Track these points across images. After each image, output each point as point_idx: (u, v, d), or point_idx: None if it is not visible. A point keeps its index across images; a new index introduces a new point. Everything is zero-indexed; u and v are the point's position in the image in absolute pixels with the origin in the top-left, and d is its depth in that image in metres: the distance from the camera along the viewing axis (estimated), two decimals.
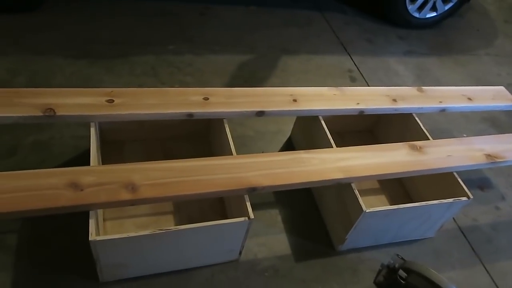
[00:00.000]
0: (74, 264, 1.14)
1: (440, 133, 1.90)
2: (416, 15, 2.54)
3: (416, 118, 1.53)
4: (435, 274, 1.14)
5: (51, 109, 1.15)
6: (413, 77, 2.24)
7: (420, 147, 1.35)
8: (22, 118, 1.13)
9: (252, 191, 1.11)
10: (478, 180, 1.72)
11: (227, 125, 1.31)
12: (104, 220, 1.24)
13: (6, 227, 1.19)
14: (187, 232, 1.05)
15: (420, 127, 1.50)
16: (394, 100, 1.51)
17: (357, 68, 2.19)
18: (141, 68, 1.85)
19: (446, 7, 2.58)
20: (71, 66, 1.77)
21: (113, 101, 1.22)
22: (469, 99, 1.64)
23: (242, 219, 1.07)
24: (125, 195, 1.00)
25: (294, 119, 1.65)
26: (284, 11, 2.47)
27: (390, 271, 1.21)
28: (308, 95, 1.44)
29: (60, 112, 1.15)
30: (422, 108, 1.54)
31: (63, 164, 1.38)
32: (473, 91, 1.69)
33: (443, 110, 1.59)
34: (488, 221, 1.57)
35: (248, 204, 1.09)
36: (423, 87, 1.62)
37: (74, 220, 1.14)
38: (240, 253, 1.23)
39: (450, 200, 1.26)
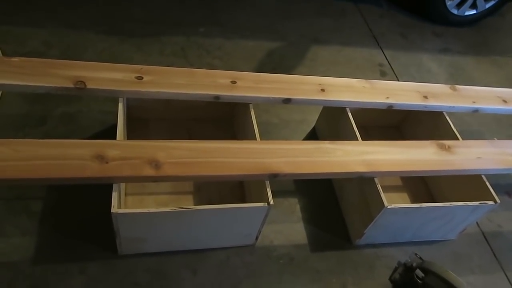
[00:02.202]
0: (95, 234, 1.17)
1: (470, 135, 1.85)
2: (455, 12, 2.46)
3: (447, 117, 1.49)
4: (454, 277, 1.12)
5: (82, 81, 1.17)
6: (446, 76, 2.18)
7: (448, 147, 1.31)
8: (53, 89, 1.15)
9: (274, 177, 1.10)
10: (506, 186, 1.67)
11: (252, 110, 1.30)
12: (125, 195, 1.26)
13: (33, 194, 1.23)
14: (207, 212, 1.05)
15: (450, 126, 1.45)
16: (425, 97, 1.47)
17: (388, 63, 2.14)
18: (171, 48, 1.86)
19: (487, 5, 2.48)
20: (103, 42, 1.79)
21: (142, 78, 1.24)
22: (504, 101, 1.58)
23: (261, 204, 1.07)
24: (149, 171, 1.01)
25: (319, 109, 1.63)
26: (317, 0, 2.43)
27: (407, 269, 1.19)
28: (337, 86, 1.41)
29: (90, 85, 1.17)
30: (453, 107, 1.49)
31: (90, 137, 1.41)
32: (509, 93, 1.62)
33: (476, 110, 1.54)
34: None
35: (269, 190, 1.09)
36: (456, 85, 1.57)
37: (98, 192, 1.17)
38: (257, 238, 1.24)
39: (476, 203, 1.23)
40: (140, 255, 1.16)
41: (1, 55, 1.49)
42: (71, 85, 1.15)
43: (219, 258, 1.21)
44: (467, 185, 1.35)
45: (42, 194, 1.23)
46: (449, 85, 1.57)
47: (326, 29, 2.24)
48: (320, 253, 1.29)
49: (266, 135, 1.58)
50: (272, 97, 1.31)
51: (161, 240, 1.13)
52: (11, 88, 1.14)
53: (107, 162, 1.00)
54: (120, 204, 1.11)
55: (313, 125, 1.67)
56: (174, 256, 1.18)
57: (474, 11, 2.50)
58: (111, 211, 0.96)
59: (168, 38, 1.90)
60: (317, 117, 1.65)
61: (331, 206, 1.42)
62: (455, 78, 2.18)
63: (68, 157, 0.99)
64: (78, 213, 1.21)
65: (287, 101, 1.33)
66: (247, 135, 1.32)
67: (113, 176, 0.99)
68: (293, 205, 1.39)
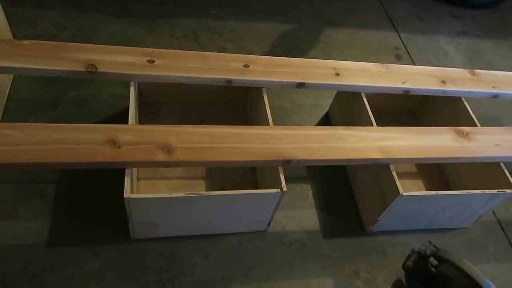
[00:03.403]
0: (108, 218, 1.18)
1: (489, 121, 1.80)
2: None
3: (465, 103, 1.45)
4: (468, 265, 1.10)
5: (93, 65, 1.16)
6: (464, 60, 2.12)
7: (466, 133, 1.27)
8: (65, 72, 1.14)
9: (287, 163, 1.09)
10: None
11: (265, 95, 1.28)
12: (137, 179, 1.26)
13: (46, 178, 1.23)
14: (219, 198, 1.05)
15: (469, 112, 1.42)
16: (443, 82, 1.43)
17: (404, 46, 2.08)
18: (182, 31, 1.83)
19: None
20: (114, 24, 1.77)
21: (153, 61, 1.22)
22: None
23: (274, 190, 1.06)
24: (161, 156, 1.00)
25: (333, 93, 1.60)
26: None
27: (421, 257, 1.18)
28: (352, 70, 1.38)
29: (101, 69, 1.16)
30: (472, 92, 1.45)
31: (101, 121, 1.41)
32: None
33: (495, 96, 1.49)
34: None
35: (282, 176, 1.08)
36: (476, 70, 1.52)
37: (110, 176, 1.16)
38: (269, 224, 1.23)
39: (494, 191, 1.20)
40: (152, 240, 1.16)
41: (12, 38, 1.48)
42: (83, 69, 1.14)
43: (231, 243, 1.21)
44: (484, 172, 1.32)
45: (55, 178, 1.23)
46: (468, 70, 1.52)
47: (340, 11, 2.18)
48: (333, 240, 1.28)
49: (279, 120, 1.56)
50: (286, 82, 1.29)
51: (173, 224, 1.13)
52: (23, 71, 1.13)
53: (119, 147, 1.00)
54: (133, 189, 1.11)
55: (327, 110, 1.65)
56: (186, 241, 1.18)
57: None
58: (124, 196, 0.96)
59: (180, 20, 1.87)
60: (330, 101, 1.62)
61: (344, 193, 1.40)
62: (473, 62, 2.12)
63: (81, 142, 0.99)
64: (91, 197, 1.21)
65: (301, 85, 1.30)
66: (260, 120, 1.30)
67: (126, 161, 0.99)
68: (306, 191, 1.38)
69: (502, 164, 1.27)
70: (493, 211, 1.48)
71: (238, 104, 1.53)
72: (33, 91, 1.44)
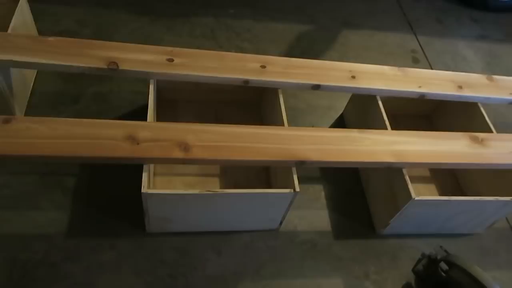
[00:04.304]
0: (125, 212, 1.21)
1: (505, 128, 1.78)
2: None
3: (481, 109, 1.44)
4: (479, 271, 1.10)
5: (114, 62, 1.19)
6: (482, 64, 2.09)
7: (482, 139, 1.27)
8: (87, 69, 1.18)
9: (301, 164, 1.11)
10: None
11: (281, 95, 1.30)
12: (154, 175, 1.29)
13: (66, 170, 1.27)
14: (234, 196, 1.07)
15: (485, 118, 1.41)
16: (460, 87, 1.43)
17: (422, 49, 2.07)
18: (200, 29, 1.85)
19: None
20: (134, 22, 1.81)
21: (173, 60, 1.25)
22: None
23: (287, 190, 1.08)
24: (178, 153, 1.03)
25: (348, 96, 1.60)
26: None
27: (431, 261, 1.18)
28: (368, 73, 1.39)
29: (122, 67, 1.19)
30: (489, 98, 1.44)
31: (120, 116, 1.44)
32: None
33: None
34: None
35: (295, 177, 1.09)
36: (494, 76, 1.51)
37: (128, 171, 1.20)
38: (281, 223, 1.25)
39: (508, 198, 1.19)
40: (167, 234, 1.19)
41: (37, 33, 1.53)
42: (104, 66, 1.18)
43: (243, 240, 1.23)
44: (498, 179, 1.31)
45: (75, 171, 1.27)
46: (486, 75, 1.51)
47: (357, 13, 2.18)
48: (344, 241, 1.29)
49: (293, 120, 1.58)
50: (301, 83, 1.30)
51: (188, 220, 1.16)
52: (47, 67, 1.17)
53: (138, 143, 1.03)
54: (149, 184, 1.14)
55: (341, 112, 1.65)
56: (200, 237, 1.21)
57: None
58: (141, 191, 0.99)
59: (198, 19, 1.89)
60: (345, 103, 1.63)
61: (357, 195, 1.41)
62: (492, 67, 2.09)
63: (101, 137, 1.02)
64: (109, 191, 1.25)
65: (316, 87, 1.32)
66: (275, 120, 1.32)
67: (144, 157, 1.02)
68: (318, 191, 1.39)
69: None
70: (506, 218, 1.47)
71: (253, 103, 1.55)
72: (55, 86, 1.49)
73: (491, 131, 1.37)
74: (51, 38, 1.22)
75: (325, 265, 1.23)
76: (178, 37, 1.80)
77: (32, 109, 1.39)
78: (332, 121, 1.64)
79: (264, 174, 1.37)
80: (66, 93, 1.47)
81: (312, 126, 1.58)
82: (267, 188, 1.32)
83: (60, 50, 1.19)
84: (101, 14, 1.80)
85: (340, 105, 1.66)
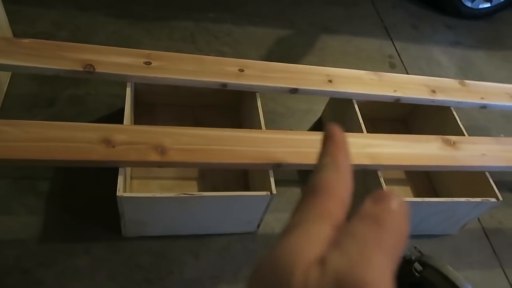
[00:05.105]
0: (100, 216, 1.20)
1: (477, 131, 1.84)
2: (468, 4, 2.42)
3: (454, 112, 1.48)
4: (451, 271, 1.13)
5: (91, 65, 1.18)
6: (456, 70, 2.16)
7: (454, 142, 1.31)
8: (63, 72, 1.16)
9: (277, 167, 1.11)
10: (510, 183, 1.67)
11: (259, 99, 1.31)
12: (131, 178, 1.28)
13: (40, 174, 1.25)
14: (211, 199, 1.07)
15: (457, 122, 1.45)
16: (433, 91, 1.47)
17: (398, 55, 2.12)
18: (180, 33, 1.85)
19: None
20: (113, 25, 1.79)
21: (150, 63, 1.24)
22: None
23: (264, 193, 1.08)
24: (154, 157, 1.03)
25: (326, 99, 1.63)
26: None
27: (406, 262, 1.20)
28: (345, 77, 1.41)
29: (99, 69, 1.18)
30: (461, 102, 1.48)
31: (97, 119, 1.43)
32: None
33: (483, 106, 1.53)
34: None
35: (272, 180, 1.10)
36: (465, 80, 1.56)
37: (104, 175, 1.18)
38: (258, 226, 1.25)
39: (478, 199, 1.23)
40: (143, 238, 1.18)
41: (12, 35, 1.50)
42: (80, 69, 1.16)
43: (221, 244, 1.23)
44: (470, 181, 1.35)
45: (49, 175, 1.25)
46: (458, 80, 1.56)
47: (336, 18, 2.22)
48: None
49: (272, 124, 1.59)
50: (279, 87, 1.32)
51: (165, 224, 1.16)
52: (21, 69, 1.15)
53: (113, 146, 1.02)
54: (126, 188, 1.13)
55: (320, 115, 1.68)
56: (177, 240, 1.20)
57: (488, 4, 2.45)
58: (117, 194, 0.98)
59: (178, 23, 1.89)
60: (323, 107, 1.66)
61: None
62: (465, 72, 2.16)
63: (76, 140, 1.01)
64: (84, 195, 1.23)
65: (294, 91, 1.33)
66: (253, 124, 1.32)
67: (119, 160, 1.01)
68: (296, 194, 1.40)
69: (487, 174, 1.30)
70: (478, 219, 1.51)
71: (232, 107, 1.56)
72: (30, 89, 1.46)
73: (463, 134, 1.41)
74: (25, 40, 1.20)
75: None
76: (157, 41, 1.79)
77: (6, 112, 1.36)
78: (310, 124, 1.66)
79: (243, 177, 1.37)
80: (42, 96, 1.45)
81: (291, 130, 1.59)
82: (245, 191, 1.32)
83: (35, 52, 1.17)
84: (79, 16, 1.78)
85: (318, 109, 1.68)
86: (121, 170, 1.02)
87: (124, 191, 1.02)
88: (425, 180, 1.54)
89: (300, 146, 1.16)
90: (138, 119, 1.42)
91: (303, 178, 1.45)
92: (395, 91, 1.42)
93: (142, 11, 1.89)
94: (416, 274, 1.18)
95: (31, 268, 1.07)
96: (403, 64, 2.07)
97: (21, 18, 1.69)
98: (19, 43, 1.19)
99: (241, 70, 1.31)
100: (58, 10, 1.78)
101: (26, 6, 1.75)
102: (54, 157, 0.97)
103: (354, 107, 1.38)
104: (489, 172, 1.31)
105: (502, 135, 1.87)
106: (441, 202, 1.22)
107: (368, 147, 1.22)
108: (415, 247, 1.22)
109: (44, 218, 1.16)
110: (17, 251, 1.09)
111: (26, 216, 1.16)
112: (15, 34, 1.53)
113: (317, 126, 1.65)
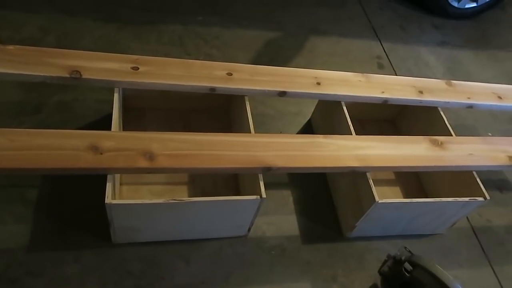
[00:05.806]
0: (90, 223, 1.19)
1: (465, 130, 1.86)
2: (455, 4, 2.44)
3: (441, 113, 1.49)
4: (440, 270, 1.14)
5: (77, 71, 1.17)
6: (443, 70, 2.18)
7: (441, 143, 1.32)
8: (49, 78, 1.15)
9: (267, 170, 1.12)
10: (498, 182, 1.69)
11: (247, 102, 1.31)
12: (120, 184, 1.27)
13: (28, 182, 1.24)
14: (200, 204, 1.07)
15: (444, 122, 1.46)
16: (420, 92, 1.48)
17: (386, 55, 2.13)
18: (168, 37, 1.85)
19: None
20: (100, 30, 1.78)
21: (138, 68, 1.24)
22: (499, 97, 1.58)
23: (254, 197, 1.09)
24: (143, 163, 1.02)
25: (315, 101, 1.63)
26: None
27: (396, 262, 1.21)
28: (333, 79, 1.42)
29: (86, 75, 1.17)
30: (448, 102, 1.50)
31: (85, 126, 1.42)
32: (505, 89, 1.63)
33: (470, 106, 1.55)
34: (502, 224, 1.54)
35: (262, 183, 1.10)
36: (452, 81, 1.58)
37: (92, 181, 1.17)
38: (249, 229, 1.25)
39: (466, 199, 1.24)
40: (133, 244, 1.18)
41: None
42: (67, 75, 1.16)
43: (212, 248, 1.23)
44: (458, 180, 1.36)
45: (37, 183, 1.24)
46: (445, 81, 1.57)
47: (325, 20, 2.23)
48: (312, 245, 1.31)
49: (262, 127, 1.59)
50: (268, 90, 1.32)
51: (155, 230, 1.15)
52: (6, 76, 1.14)
53: (101, 153, 1.01)
54: (115, 194, 1.12)
55: (309, 118, 1.68)
56: (168, 246, 1.20)
57: (474, 4, 2.48)
58: (105, 201, 0.98)
59: (166, 27, 1.89)
60: (312, 109, 1.66)
61: (324, 199, 1.44)
62: (452, 72, 2.18)
63: (63, 148, 1.00)
64: (73, 202, 1.22)
65: (282, 94, 1.33)
66: (242, 127, 1.32)
67: (107, 168, 1.00)
68: (286, 197, 1.41)
69: (474, 173, 1.32)
70: (467, 217, 1.53)
71: (221, 111, 1.55)
72: (16, 95, 1.45)
73: (450, 134, 1.43)
74: (10, 47, 1.19)
75: (294, 270, 1.24)
76: (146, 45, 1.78)
77: None
78: (300, 126, 1.66)
79: (233, 181, 1.37)
80: (28, 103, 1.44)
81: (280, 133, 1.60)
82: (236, 194, 1.32)
83: (20, 59, 1.16)
84: (66, 21, 1.77)
85: (308, 111, 1.69)
86: (109, 176, 1.01)
87: (113, 198, 1.02)
88: (414, 180, 1.55)
89: (289, 149, 1.17)
90: (127, 124, 1.41)
91: (293, 181, 1.45)
92: (383, 92, 1.43)
93: (130, 15, 1.88)
94: (406, 274, 1.19)
95: (20, 277, 1.06)
96: (391, 65, 2.09)
97: (7, 24, 1.68)
98: (4, 49, 1.18)
99: (230, 74, 1.31)
100: (44, 15, 1.76)
101: (12, 11, 1.73)
102: (40, 165, 0.96)
103: (343, 109, 1.38)
104: (477, 172, 1.32)
105: (490, 134, 1.89)
106: (430, 202, 1.23)
107: (357, 149, 1.22)
108: (405, 247, 1.24)
109: (32, 227, 1.15)
110: (5, 260, 1.08)
111: (14, 225, 1.15)
112: (1, 40, 1.51)
113: (307, 128, 1.65)
